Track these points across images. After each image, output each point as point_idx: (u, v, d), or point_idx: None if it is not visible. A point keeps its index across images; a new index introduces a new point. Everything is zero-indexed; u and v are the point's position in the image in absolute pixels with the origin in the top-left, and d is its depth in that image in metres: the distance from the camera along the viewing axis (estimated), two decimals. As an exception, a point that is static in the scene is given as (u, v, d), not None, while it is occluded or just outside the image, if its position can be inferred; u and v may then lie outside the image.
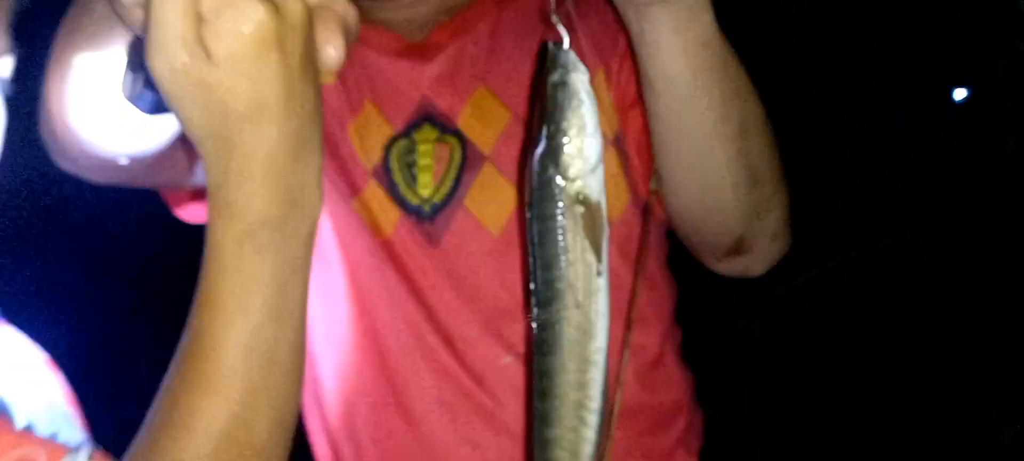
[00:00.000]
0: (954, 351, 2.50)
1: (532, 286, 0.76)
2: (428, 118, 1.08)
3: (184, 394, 0.60)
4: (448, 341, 1.05)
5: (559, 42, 0.74)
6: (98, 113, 0.78)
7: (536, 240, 0.74)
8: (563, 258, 0.73)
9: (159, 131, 0.79)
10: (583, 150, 0.72)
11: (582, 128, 0.72)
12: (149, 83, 0.62)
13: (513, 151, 1.05)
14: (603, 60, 1.06)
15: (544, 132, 0.73)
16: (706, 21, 0.89)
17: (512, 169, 1.05)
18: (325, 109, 0.61)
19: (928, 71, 2.70)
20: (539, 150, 0.73)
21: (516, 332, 1.04)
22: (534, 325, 0.76)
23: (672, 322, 1.16)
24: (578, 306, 0.74)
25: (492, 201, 1.05)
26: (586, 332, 0.75)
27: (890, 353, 2.48)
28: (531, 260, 0.76)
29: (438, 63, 1.09)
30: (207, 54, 0.54)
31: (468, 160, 1.06)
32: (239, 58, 0.54)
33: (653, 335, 1.11)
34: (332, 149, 1.06)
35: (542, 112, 0.74)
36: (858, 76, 2.68)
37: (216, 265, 0.59)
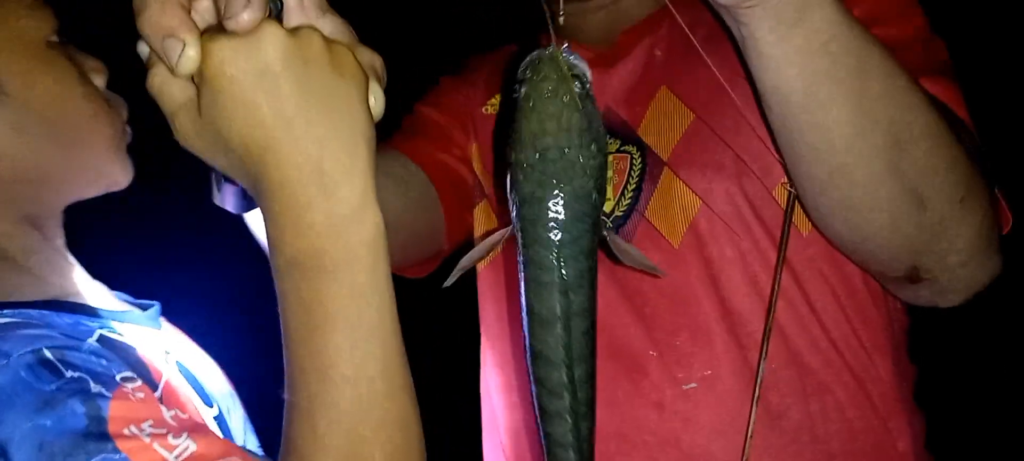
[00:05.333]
0: None
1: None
2: (609, 129, 1.01)
3: (289, 419, 0.59)
4: (624, 368, 0.97)
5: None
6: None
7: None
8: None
9: None
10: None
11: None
12: (227, 181, 0.65)
13: (693, 155, 0.96)
14: None
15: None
16: (821, 18, 0.71)
17: (691, 174, 0.96)
18: None
19: None
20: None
21: (695, 356, 0.94)
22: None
23: (898, 355, 0.99)
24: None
25: (672, 209, 0.96)
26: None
27: None
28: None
29: (622, 69, 1.03)
30: (199, 111, 0.55)
31: (648, 169, 0.98)
32: (216, 104, 0.54)
33: (874, 365, 0.95)
34: None
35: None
36: None
37: (278, 292, 0.58)
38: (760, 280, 0.93)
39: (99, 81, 0.81)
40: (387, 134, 1.13)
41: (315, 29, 0.56)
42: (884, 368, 0.96)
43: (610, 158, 1.00)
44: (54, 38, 0.78)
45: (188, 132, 0.56)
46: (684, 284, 0.95)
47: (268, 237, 0.57)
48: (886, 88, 0.74)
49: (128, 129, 0.83)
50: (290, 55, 0.54)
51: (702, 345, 0.94)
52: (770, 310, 0.90)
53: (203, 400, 0.81)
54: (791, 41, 0.71)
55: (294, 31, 0.55)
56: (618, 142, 1.01)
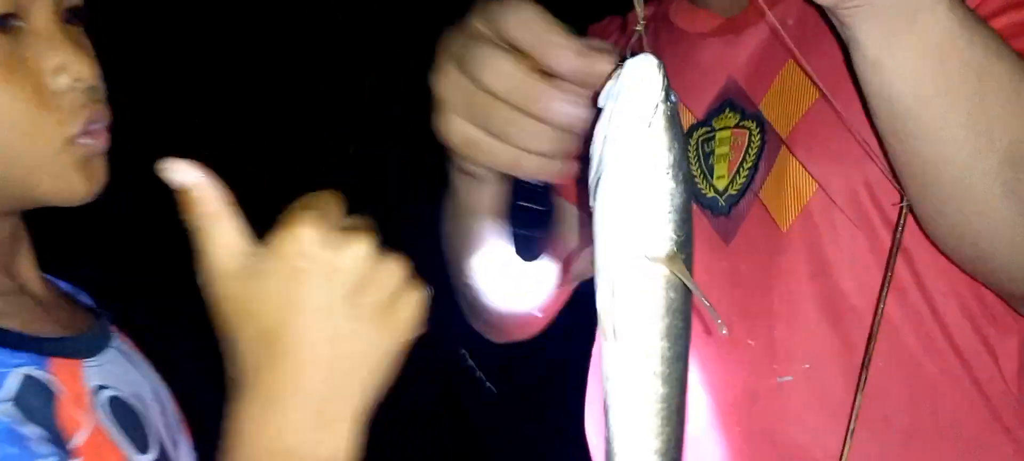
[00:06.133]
0: None
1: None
2: (729, 102, 0.98)
3: None
4: (719, 354, 0.93)
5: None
6: (510, 293, 0.95)
7: None
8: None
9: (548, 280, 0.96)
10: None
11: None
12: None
13: (814, 136, 0.90)
14: None
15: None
16: (934, 21, 0.64)
17: (809, 156, 0.90)
18: None
19: None
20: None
21: (794, 347, 0.90)
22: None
23: None
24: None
25: (785, 192, 0.91)
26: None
27: None
28: None
29: (748, 38, 0.98)
30: (249, 272, 0.56)
31: (766, 146, 0.93)
32: (272, 283, 0.55)
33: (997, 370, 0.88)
34: None
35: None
36: None
37: None
38: (872, 273, 0.87)
39: (62, 82, 0.70)
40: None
41: (400, 264, 0.58)
42: (1010, 373, 0.88)
43: (729, 132, 0.97)
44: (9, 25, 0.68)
45: (225, 273, 0.56)
46: (788, 271, 0.90)
47: (232, 421, 0.57)
48: (1010, 99, 0.67)
49: (101, 137, 0.73)
50: (360, 289, 0.56)
51: (802, 337, 0.90)
52: (879, 303, 0.85)
53: (138, 447, 0.75)
54: (900, 47, 0.64)
55: (380, 260, 0.56)
56: (737, 116, 0.96)
